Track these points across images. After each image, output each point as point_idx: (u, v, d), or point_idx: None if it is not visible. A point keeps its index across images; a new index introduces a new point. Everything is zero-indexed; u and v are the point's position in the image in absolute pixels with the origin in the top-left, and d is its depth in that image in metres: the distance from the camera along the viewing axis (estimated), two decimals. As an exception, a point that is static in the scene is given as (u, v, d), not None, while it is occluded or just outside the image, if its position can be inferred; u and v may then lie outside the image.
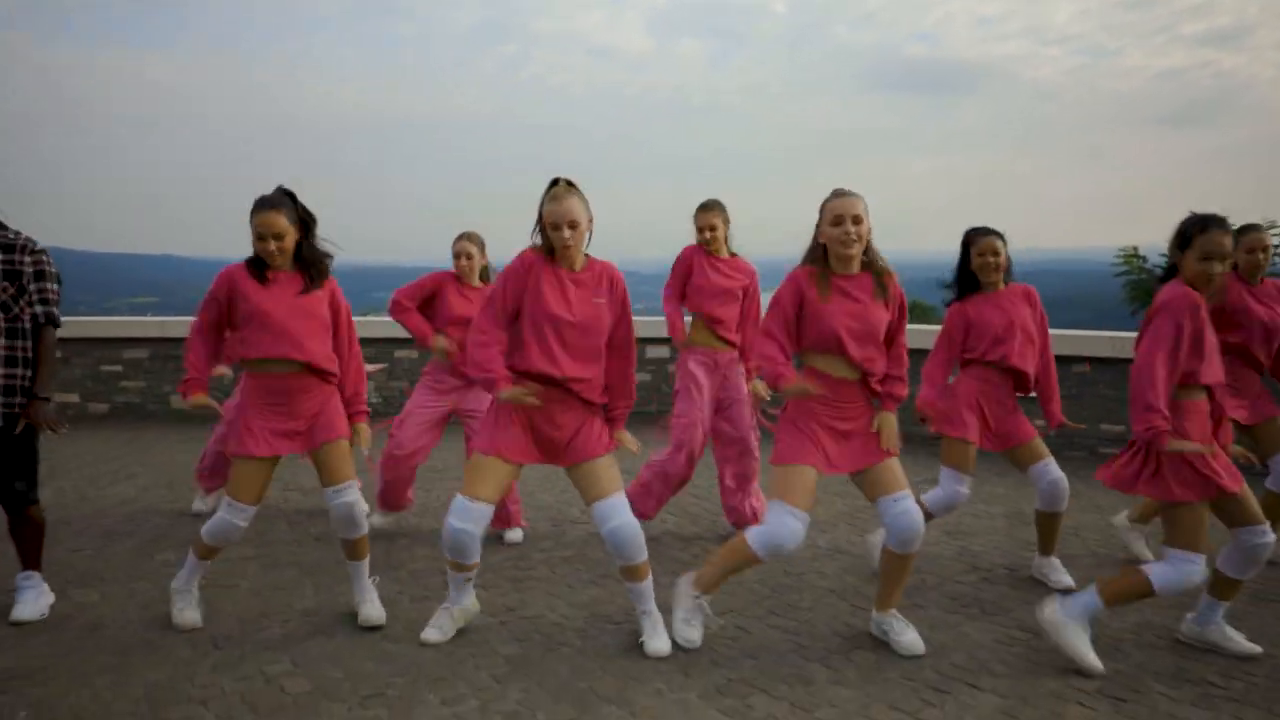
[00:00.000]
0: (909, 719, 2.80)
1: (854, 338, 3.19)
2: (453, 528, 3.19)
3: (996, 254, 3.90)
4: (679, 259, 4.62)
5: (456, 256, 4.54)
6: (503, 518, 4.54)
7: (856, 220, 3.14)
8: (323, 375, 3.45)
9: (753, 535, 3.21)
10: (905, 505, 3.18)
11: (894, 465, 3.23)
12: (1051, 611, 3.23)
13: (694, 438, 4.48)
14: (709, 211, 4.57)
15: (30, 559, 3.65)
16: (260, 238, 3.32)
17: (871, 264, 3.26)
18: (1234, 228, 3.24)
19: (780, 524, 3.14)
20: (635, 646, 3.27)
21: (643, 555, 3.24)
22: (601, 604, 3.72)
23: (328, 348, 3.45)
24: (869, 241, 3.22)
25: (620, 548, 3.20)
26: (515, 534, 4.59)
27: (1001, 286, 3.94)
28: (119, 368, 8.17)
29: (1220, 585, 3.27)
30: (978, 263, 3.94)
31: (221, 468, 5.01)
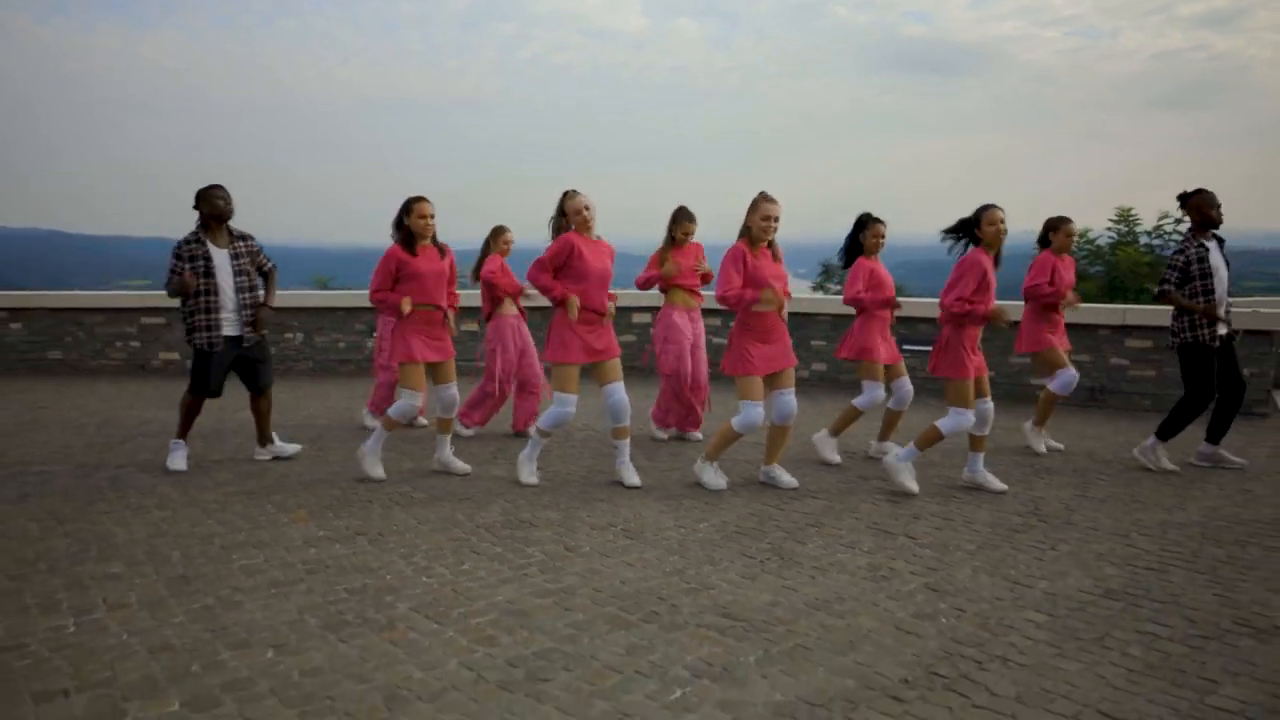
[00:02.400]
0: (770, 508, 4.93)
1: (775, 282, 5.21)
2: (564, 413, 5.26)
3: (884, 236, 6.03)
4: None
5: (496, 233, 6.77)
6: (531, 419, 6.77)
7: (776, 219, 5.18)
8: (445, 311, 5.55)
9: (736, 421, 5.19)
10: (788, 397, 5.25)
11: (790, 371, 5.27)
12: (890, 459, 5.33)
13: (685, 365, 6.53)
14: (691, 220, 6.48)
15: (266, 428, 5.98)
16: (422, 216, 5.38)
17: (772, 243, 5.31)
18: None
19: (750, 412, 5.15)
20: (617, 484, 5.40)
21: (627, 420, 5.35)
22: (596, 468, 5.86)
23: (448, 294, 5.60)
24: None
25: (616, 412, 5.33)
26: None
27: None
28: (211, 331, 10.26)
29: (972, 440, 5.39)
30: (871, 242, 6.00)
31: (380, 399, 7.06)
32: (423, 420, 7.24)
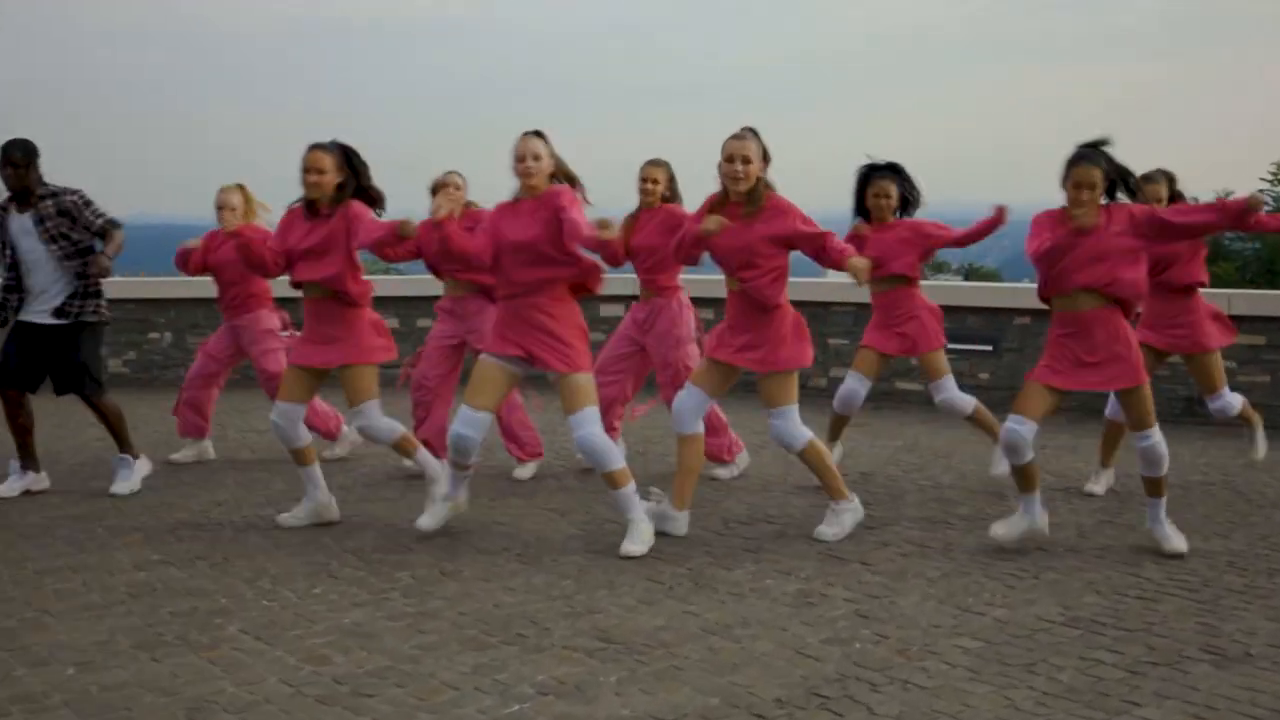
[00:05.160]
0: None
1: (725, 256, 3.75)
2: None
3: (889, 195, 4.60)
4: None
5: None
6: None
7: (745, 160, 3.64)
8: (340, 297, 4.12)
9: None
10: (771, 421, 4.05)
11: (761, 377, 3.93)
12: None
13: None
14: (655, 166, 4.82)
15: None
16: (305, 170, 3.97)
17: (754, 193, 3.69)
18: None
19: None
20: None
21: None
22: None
23: (341, 269, 4.02)
24: (759, 176, 3.69)
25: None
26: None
27: (890, 220, 4.64)
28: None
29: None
30: (872, 203, 4.64)
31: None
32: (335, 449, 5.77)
